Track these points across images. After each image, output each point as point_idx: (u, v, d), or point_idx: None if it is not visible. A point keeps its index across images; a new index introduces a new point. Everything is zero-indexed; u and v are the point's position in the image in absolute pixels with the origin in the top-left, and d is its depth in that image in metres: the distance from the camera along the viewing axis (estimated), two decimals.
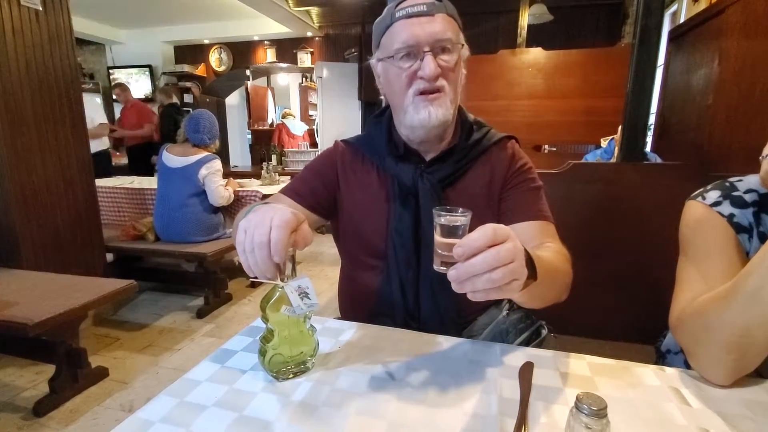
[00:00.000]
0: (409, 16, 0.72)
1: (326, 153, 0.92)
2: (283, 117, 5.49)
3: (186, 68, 6.14)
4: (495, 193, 0.83)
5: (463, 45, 0.77)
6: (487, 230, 0.47)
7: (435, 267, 0.53)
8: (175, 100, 4.62)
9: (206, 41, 6.17)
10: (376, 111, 0.92)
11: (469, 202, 0.81)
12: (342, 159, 0.89)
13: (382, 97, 0.88)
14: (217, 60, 6.27)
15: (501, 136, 0.87)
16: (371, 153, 0.87)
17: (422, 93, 0.74)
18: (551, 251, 0.72)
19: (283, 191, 0.87)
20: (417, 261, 0.79)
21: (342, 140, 0.93)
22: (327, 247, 3.91)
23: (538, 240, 0.77)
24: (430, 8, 0.72)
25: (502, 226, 0.49)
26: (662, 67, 2.69)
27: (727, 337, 0.56)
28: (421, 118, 0.75)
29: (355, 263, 0.88)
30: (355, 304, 0.90)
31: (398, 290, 0.80)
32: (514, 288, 0.48)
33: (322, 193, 0.87)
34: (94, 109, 3.98)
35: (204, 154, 2.51)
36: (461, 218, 0.51)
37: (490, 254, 0.46)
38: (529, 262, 0.53)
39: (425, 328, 0.75)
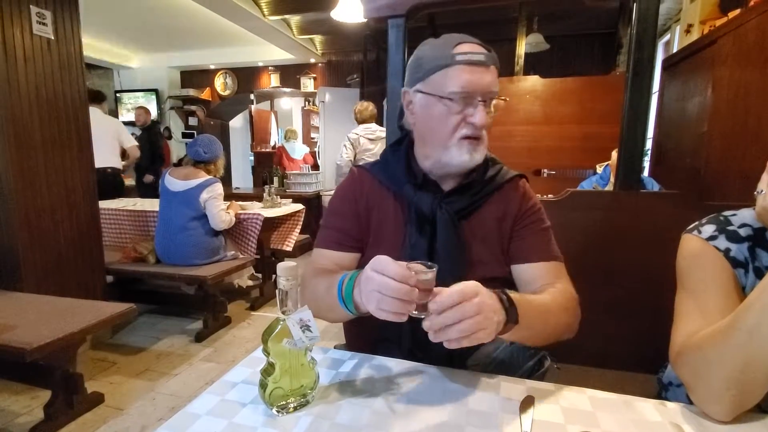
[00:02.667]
0: (470, 63, 0.74)
1: (344, 186, 0.92)
2: (286, 137, 5.55)
3: (191, 92, 6.28)
4: (506, 231, 0.85)
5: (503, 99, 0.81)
6: (455, 291, 0.55)
7: (410, 312, 0.58)
8: (153, 116, 4.69)
9: (212, 66, 6.33)
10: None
11: (481, 235, 0.84)
12: (361, 186, 0.89)
13: (401, 124, 0.90)
14: (222, 84, 6.42)
15: (513, 174, 0.89)
16: (389, 180, 0.88)
17: (467, 137, 0.77)
18: (553, 293, 0.75)
19: (321, 245, 0.87)
20: None
21: (357, 166, 0.94)
22: None
23: (547, 280, 0.80)
24: (487, 59, 0.76)
25: (471, 283, 0.57)
26: (657, 94, 2.74)
27: (727, 373, 0.56)
28: (463, 160, 0.78)
29: None
30: (362, 331, 0.89)
31: (407, 318, 0.80)
32: (482, 337, 0.55)
33: (356, 228, 0.86)
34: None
35: (205, 177, 2.53)
36: (429, 273, 0.58)
37: (458, 309, 0.54)
38: (512, 308, 0.61)
39: (430, 357, 0.75)
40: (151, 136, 4.67)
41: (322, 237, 0.88)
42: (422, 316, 0.57)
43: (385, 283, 0.55)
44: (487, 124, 0.77)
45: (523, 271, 0.83)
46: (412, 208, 0.83)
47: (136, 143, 3.93)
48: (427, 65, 0.79)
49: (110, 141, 3.74)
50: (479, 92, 0.75)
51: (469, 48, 0.76)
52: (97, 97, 3.81)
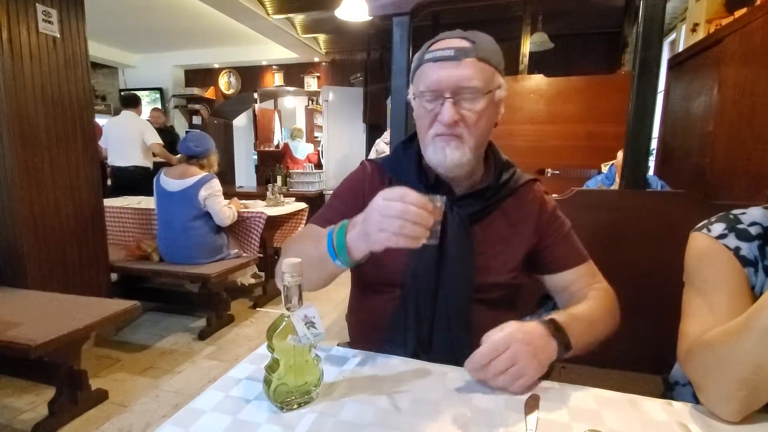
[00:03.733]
0: (436, 60, 0.74)
1: (353, 176, 0.91)
2: (292, 136, 5.56)
3: (196, 91, 6.29)
4: (525, 236, 0.84)
5: (498, 87, 0.76)
6: (485, 350, 0.62)
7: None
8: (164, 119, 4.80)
9: (216, 65, 6.34)
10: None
11: (492, 240, 0.83)
12: (370, 180, 0.88)
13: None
14: (226, 83, 6.43)
15: (528, 178, 0.89)
16: (400, 178, 0.86)
17: (440, 135, 0.76)
18: (596, 298, 0.79)
19: (315, 221, 0.86)
20: (436, 292, 0.79)
21: (369, 160, 0.93)
22: None
23: (585, 282, 0.83)
24: (458, 54, 0.72)
25: (504, 334, 0.62)
26: (663, 93, 2.73)
27: (738, 373, 0.55)
28: (438, 158, 0.77)
29: (370, 289, 0.87)
30: (366, 331, 0.88)
31: (413, 320, 0.79)
32: (523, 383, 0.62)
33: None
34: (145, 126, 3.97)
35: (201, 174, 2.49)
36: (439, 202, 0.61)
37: (492, 367, 0.61)
38: (562, 336, 0.66)
39: (435, 358, 0.75)
40: (167, 136, 4.75)
41: (320, 214, 0.87)
42: (432, 243, 0.62)
43: (408, 209, 0.57)
44: (461, 121, 0.74)
45: (558, 279, 0.86)
46: None
47: (159, 141, 4.00)
48: (412, 68, 0.81)
49: (137, 140, 3.87)
50: (445, 89, 0.73)
51: (440, 45, 0.76)
52: (131, 102, 3.96)
